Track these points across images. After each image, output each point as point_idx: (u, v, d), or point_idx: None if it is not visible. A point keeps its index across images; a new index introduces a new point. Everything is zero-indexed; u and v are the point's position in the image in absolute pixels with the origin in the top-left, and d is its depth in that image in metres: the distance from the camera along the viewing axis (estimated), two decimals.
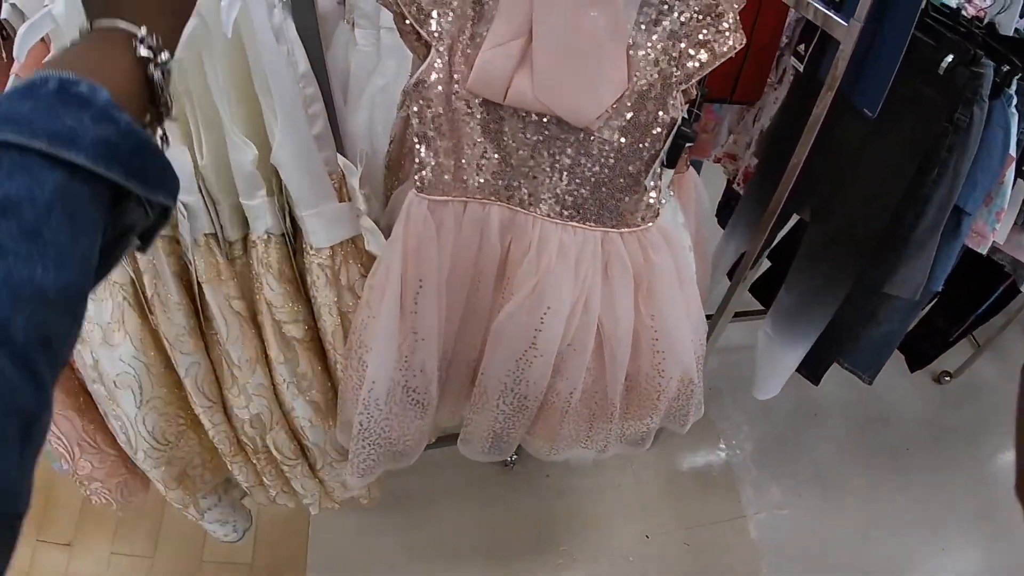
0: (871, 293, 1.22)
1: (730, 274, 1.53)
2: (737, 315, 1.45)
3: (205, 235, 0.83)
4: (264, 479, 1.05)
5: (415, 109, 0.76)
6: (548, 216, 0.83)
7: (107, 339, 0.85)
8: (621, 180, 0.80)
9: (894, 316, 1.39)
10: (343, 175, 0.92)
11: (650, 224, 0.84)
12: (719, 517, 1.80)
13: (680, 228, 0.91)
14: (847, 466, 1.99)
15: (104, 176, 0.33)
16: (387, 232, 0.93)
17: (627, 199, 0.81)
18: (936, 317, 1.80)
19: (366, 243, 0.91)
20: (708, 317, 1.17)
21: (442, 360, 0.94)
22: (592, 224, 0.83)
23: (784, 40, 1.39)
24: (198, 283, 0.84)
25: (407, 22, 0.74)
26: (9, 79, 0.73)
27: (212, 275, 0.84)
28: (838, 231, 1.22)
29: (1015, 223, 1.29)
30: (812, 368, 1.45)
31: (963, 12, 1.11)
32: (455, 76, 0.75)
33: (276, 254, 0.86)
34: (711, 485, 1.88)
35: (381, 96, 1.07)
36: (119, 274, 0.83)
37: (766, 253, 1.31)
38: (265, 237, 0.85)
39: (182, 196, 0.78)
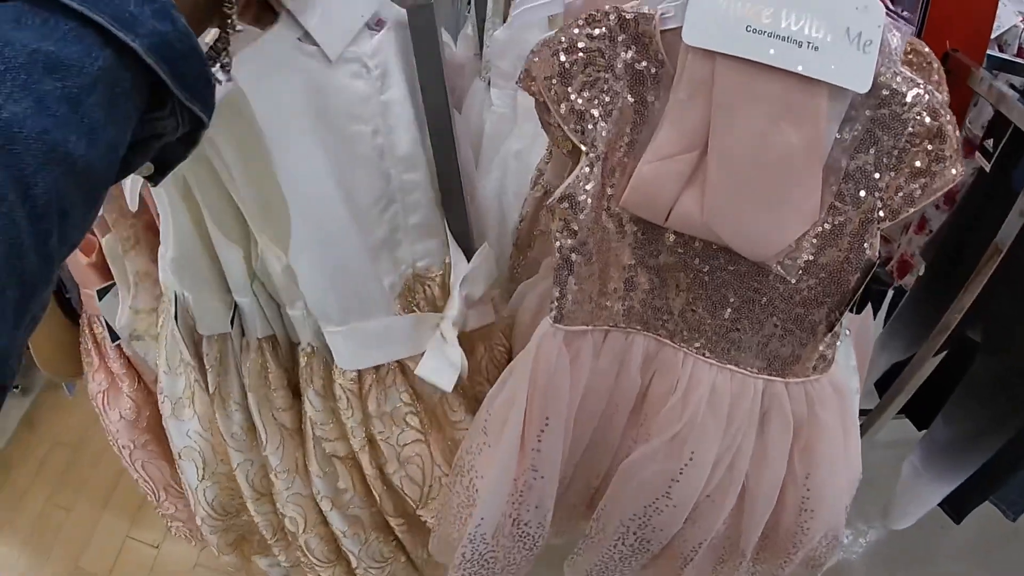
0: None
1: (879, 383, 1.36)
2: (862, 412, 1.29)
3: (259, 339, 0.78)
4: (302, 560, 0.98)
5: (558, 226, 0.66)
6: (702, 355, 0.71)
7: (176, 413, 0.86)
8: (796, 325, 0.66)
9: None
10: (445, 270, 0.81)
11: (822, 375, 0.70)
12: None
13: (851, 372, 0.77)
14: None
15: (152, 68, 0.34)
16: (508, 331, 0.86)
17: (801, 348, 0.68)
18: None
19: (420, 368, 0.78)
20: None
21: (559, 489, 0.84)
22: (753, 370, 0.70)
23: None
24: (246, 389, 0.79)
25: (551, 114, 0.64)
26: None
27: (259, 383, 0.79)
28: (1016, 361, 1.05)
29: None
30: (957, 506, 1.26)
31: None
32: (607, 190, 0.64)
33: (320, 368, 0.79)
34: None
35: (515, 162, 1.01)
36: (190, 355, 0.80)
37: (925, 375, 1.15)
38: (309, 350, 0.78)
39: (238, 296, 0.75)
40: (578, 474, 0.86)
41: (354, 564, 0.98)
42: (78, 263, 0.91)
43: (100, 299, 0.88)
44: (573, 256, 0.65)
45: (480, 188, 1.00)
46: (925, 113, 0.58)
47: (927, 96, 0.58)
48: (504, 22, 1.04)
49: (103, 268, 0.89)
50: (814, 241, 0.62)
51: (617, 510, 0.80)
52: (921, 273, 1.30)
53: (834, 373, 0.71)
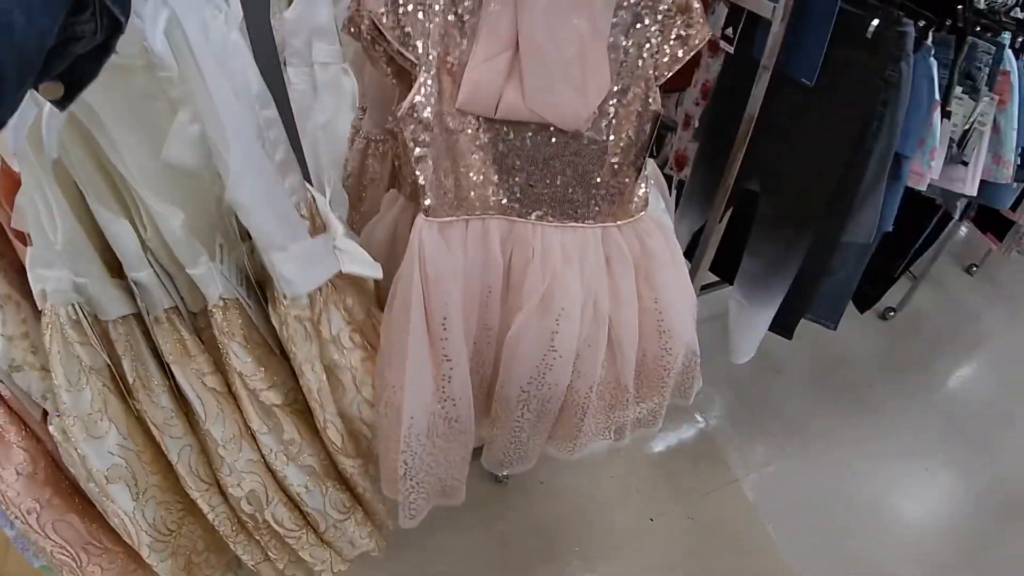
0: (830, 245, 1.35)
1: (686, 254, 1.63)
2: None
3: (166, 310, 0.79)
4: (270, 553, 1.02)
5: (408, 135, 0.79)
6: (547, 221, 0.88)
7: (91, 431, 0.80)
8: (613, 176, 0.85)
9: (848, 263, 1.53)
10: (313, 203, 0.86)
11: (642, 213, 0.90)
12: (713, 486, 1.90)
13: (663, 213, 0.98)
14: (819, 413, 2.15)
15: None
16: None
17: (621, 193, 0.87)
18: (878, 258, 1.98)
19: (343, 264, 0.83)
20: None
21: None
22: (591, 222, 0.88)
23: None
24: (167, 364, 0.80)
25: (391, 48, 0.77)
26: None
27: (179, 353, 0.80)
28: (793, 196, 1.34)
29: (944, 159, 1.44)
30: (784, 324, 1.57)
31: None
32: (445, 97, 0.79)
33: (237, 319, 0.82)
34: (698, 458, 1.98)
35: (323, 133, 1.07)
36: (92, 357, 0.78)
37: (723, 228, 1.42)
38: (222, 304, 0.80)
39: (134, 272, 0.75)
40: (473, 368, 0.97)
41: (321, 526, 1.03)
42: None
43: None
44: (427, 157, 0.79)
45: None
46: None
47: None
48: (289, 5, 1.13)
49: None
50: (612, 104, 0.80)
51: (513, 380, 0.94)
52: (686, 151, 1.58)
53: (652, 212, 0.91)
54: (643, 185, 0.88)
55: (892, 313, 2.45)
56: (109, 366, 0.79)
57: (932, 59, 1.23)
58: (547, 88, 0.78)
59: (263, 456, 0.90)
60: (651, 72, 0.81)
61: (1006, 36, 1.38)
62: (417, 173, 0.80)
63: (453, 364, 0.88)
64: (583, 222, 0.88)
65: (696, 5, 0.80)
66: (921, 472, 2.03)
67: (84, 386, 0.79)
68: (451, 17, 0.76)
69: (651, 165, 1.13)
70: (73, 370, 0.77)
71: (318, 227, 0.85)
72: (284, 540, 1.01)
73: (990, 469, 2.09)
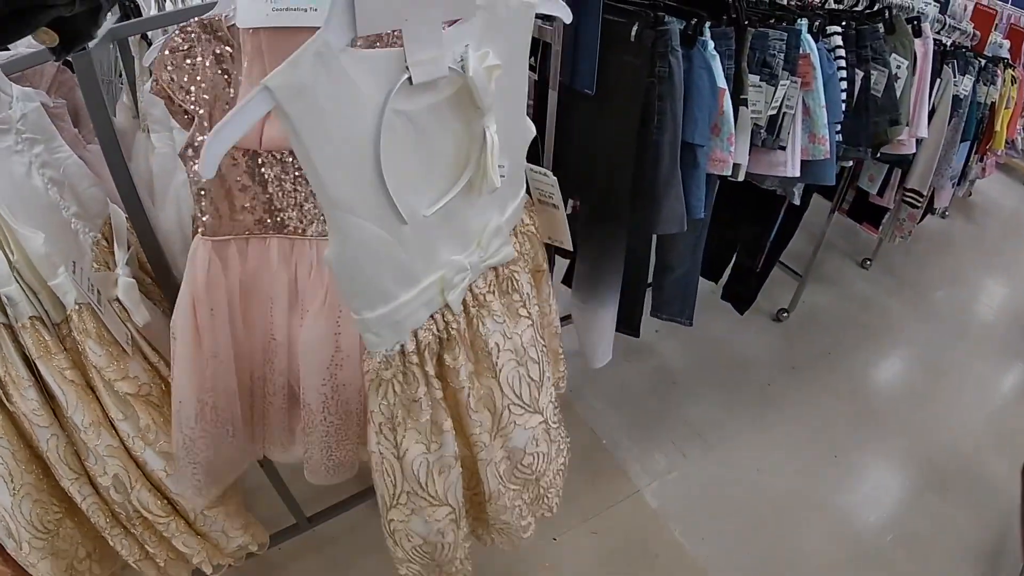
0: (644, 237, 1.61)
1: None
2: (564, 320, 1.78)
3: (31, 318, 1.04)
4: (147, 547, 1.24)
5: (191, 169, 1.05)
6: (322, 235, 1.13)
7: None
8: None
9: (682, 259, 1.80)
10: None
11: None
12: (614, 499, 2.09)
13: None
14: (719, 416, 2.37)
15: None
16: None
17: None
18: (739, 259, 2.26)
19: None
20: None
21: (254, 384, 1.21)
22: None
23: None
24: (32, 361, 1.04)
25: (175, 103, 1.04)
26: None
27: (42, 351, 1.05)
28: (600, 197, 1.61)
29: (758, 145, 1.70)
30: (627, 322, 1.82)
31: None
32: None
33: (91, 320, 1.09)
34: (599, 474, 2.17)
35: (184, 190, 1.36)
36: None
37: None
38: (77, 308, 1.08)
39: (2, 288, 1.00)
40: (275, 379, 1.21)
41: (191, 515, 1.26)
42: None
43: None
44: (203, 187, 1.06)
45: (161, 221, 1.33)
46: None
47: None
48: (149, 78, 1.42)
49: None
50: None
51: (309, 383, 1.16)
52: None
53: None
54: None
55: (785, 314, 2.73)
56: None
57: (712, 52, 1.50)
58: None
59: (122, 442, 1.15)
60: None
61: (802, 23, 1.66)
62: (197, 202, 1.06)
63: (220, 360, 1.14)
64: None
65: None
66: (833, 460, 2.23)
67: None
68: (217, 72, 1.03)
69: None
70: None
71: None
72: (155, 528, 1.22)
73: (912, 449, 2.27)
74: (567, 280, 2.09)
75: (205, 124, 1.05)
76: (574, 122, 1.52)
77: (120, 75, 1.47)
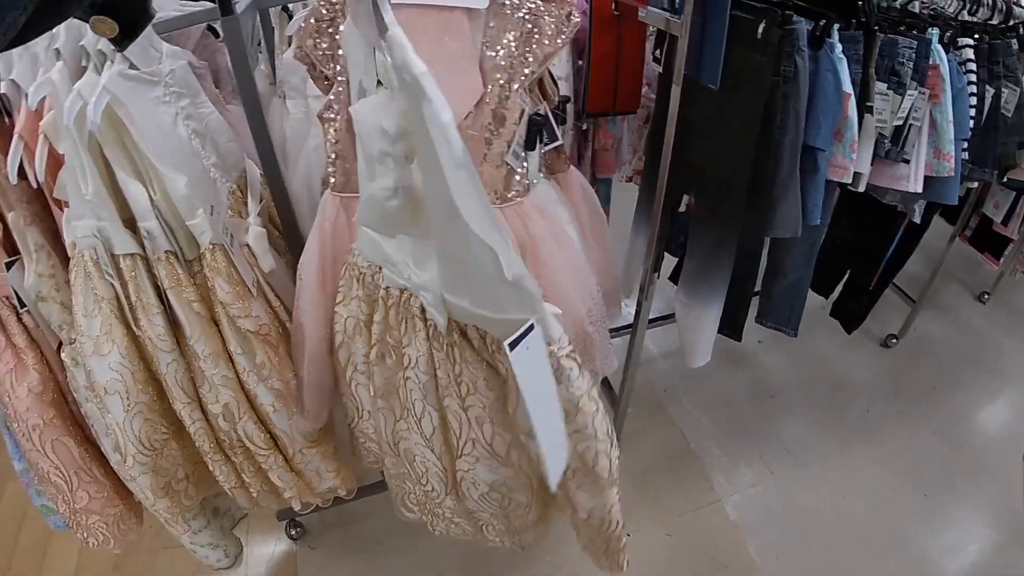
0: (756, 239, 1.57)
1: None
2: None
3: (166, 252, 1.13)
4: (244, 476, 1.32)
5: (328, 130, 1.11)
6: None
7: (97, 350, 1.11)
8: (492, 163, 1.14)
9: (795, 265, 1.75)
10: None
11: (522, 199, 1.17)
12: (695, 505, 2.06)
13: (556, 204, 1.25)
14: (812, 436, 2.28)
15: None
16: None
17: (499, 178, 1.15)
18: (852, 275, 2.17)
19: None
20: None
21: None
22: None
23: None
24: (164, 290, 1.13)
25: (316, 69, 1.11)
26: (13, 139, 1.05)
27: (174, 282, 1.14)
28: (716, 195, 1.58)
29: (882, 156, 1.61)
30: (731, 325, 1.78)
31: None
32: (349, 100, 1.11)
33: (223, 260, 1.17)
34: (683, 477, 2.14)
35: (315, 154, 1.45)
36: (105, 289, 1.11)
37: (664, 237, 1.65)
38: (211, 247, 1.16)
39: (144, 222, 1.10)
40: None
41: (289, 451, 1.33)
42: None
43: (7, 270, 1.16)
44: (337, 143, 1.12)
45: (293, 183, 1.41)
46: (529, 14, 1.09)
47: (531, 4, 1.09)
48: (289, 47, 1.51)
49: (7, 244, 1.18)
50: (486, 103, 1.10)
51: None
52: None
53: (535, 199, 1.19)
54: (520, 171, 1.16)
55: (894, 340, 2.60)
56: (117, 297, 1.12)
57: (840, 55, 1.44)
58: None
59: (237, 374, 1.23)
60: (516, 74, 1.10)
61: (933, 32, 1.56)
62: (332, 157, 1.11)
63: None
64: None
65: (544, 24, 1.09)
66: (922, 498, 2.11)
67: (96, 314, 1.11)
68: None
69: (572, 172, 1.40)
70: (89, 299, 1.10)
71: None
72: (255, 459, 1.30)
73: (1004, 500, 2.13)
74: (674, 277, 2.06)
75: (340, 91, 1.11)
76: (695, 117, 1.50)
77: (259, 44, 1.57)
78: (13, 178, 1.06)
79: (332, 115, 1.11)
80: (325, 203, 1.16)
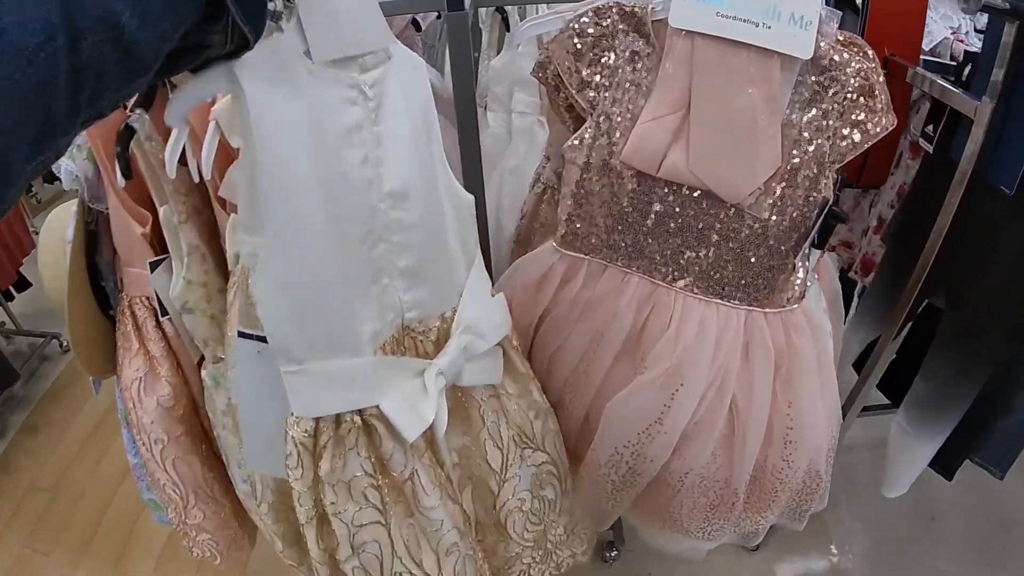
0: (1015, 379, 1.25)
1: (856, 365, 1.57)
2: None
3: None
4: None
5: (567, 171, 0.87)
6: (692, 292, 0.90)
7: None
8: (769, 259, 0.86)
9: None
10: (443, 324, 0.86)
11: (795, 306, 0.90)
12: None
13: (823, 313, 0.97)
14: (966, 573, 1.95)
15: None
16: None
17: (775, 279, 0.87)
18: None
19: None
20: None
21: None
22: (736, 302, 0.89)
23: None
24: None
25: (560, 93, 0.86)
26: None
27: None
28: (978, 316, 1.26)
29: None
30: (945, 462, 1.46)
31: None
32: (612, 146, 0.85)
33: None
34: None
35: (511, 176, 1.22)
36: None
37: (899, 343, 1.36)
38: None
39: None
40: (564, 400, 1.03)
41: None
42: (131, 233, 0.97)
43: (152, 271, 0.96)
44: (578, 193, 0.87)
45: (480, 202, 1.20)
46: (859, 77, 0.80)
47: (859, 64, 0.81)
48: (498, 54, 1.27)
49: (155, 241, 0.98)
50: (780, 182, 0.83)
51: (608, 441, 0.96)
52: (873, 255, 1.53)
53: (807, 307, 0.91)
54: (801, 275, 0.88)
55: None
56: None
57: None
58: (713, 155, 0.82)
59: None
60: (825, 156, 0.82)
61: None
62: (566, 202, 0.89)
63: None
64: (728, 301, 0.90)
65: (880, 91, 0.81)
66: None
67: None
68: (628, 72, 0.82)
69: (827, 264, 1.12)
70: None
71: (418, 353, 0.83)
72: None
73: None
74: (887, 390, 1.73)
75: (598, 129, 0.86)
76: (974, 220, 1.19)
77: None
78: (172, 171, 0.81)
79: (583, 155, 0.87)
80: (542, 252, 0.94)
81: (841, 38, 0.83)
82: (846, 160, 0.82)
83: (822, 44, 0.80)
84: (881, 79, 0.81)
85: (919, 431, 1.37)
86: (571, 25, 0.82)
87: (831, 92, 0.81)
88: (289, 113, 0.64)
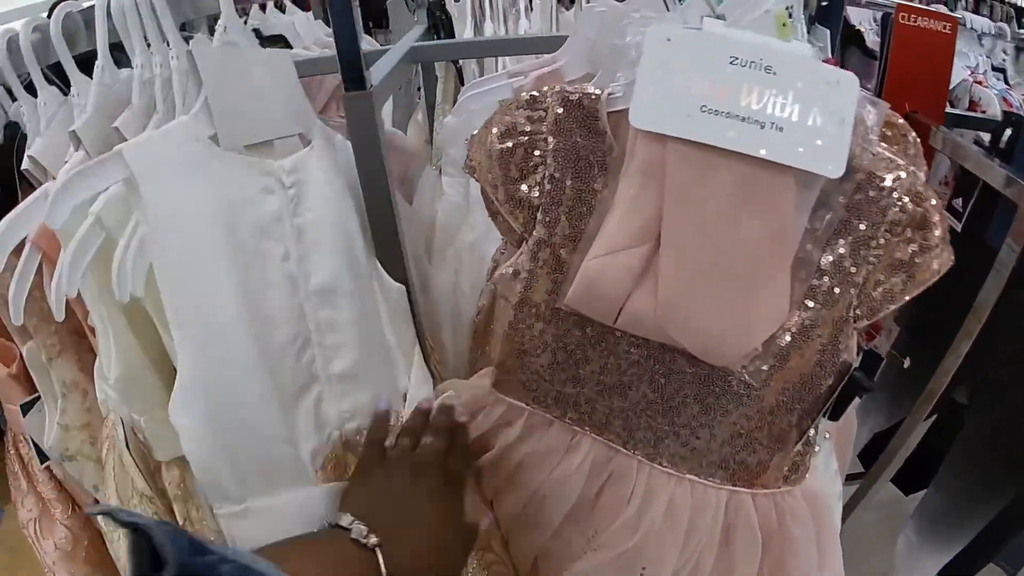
0: None
1: (862, 455, 1.35)
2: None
3: None
4: None
5: (499, 306, 0.64)
6: (659, 463, 0.66)
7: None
8: (763, 434, 0.62)
9: None
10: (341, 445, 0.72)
11: (793, 487, 0.67)
12: None
13: (832, 477, 0.74)
14: None
15: None
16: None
17: (769, 458, 0.64)
18: None
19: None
20: None
21: None
22: (716, 480, 0.66)
23: None
24: None
25: (493, 203, 0.62)
26: (24, 249, 0.64)
27: None
28: (1012, 424, 1.04)
29: None
30: (958, 570, 1.26)
31: None
32: (555, 284, 0.61)
33: None
34: None
35: (469, 254, 0.98)
36: (145, 488, 0.70)
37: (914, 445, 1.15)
38: None
39: None
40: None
41: None
42: None
43: (24, 414, 0.79)
44: (513, 331, 0.64)
45: (434, 282, 0.99)
46: (907, 198, 0.56)
47: (908, 178, 0.56)
48: (453, 107, 1.03)
49: (26, 380, 0.81)
50: (783, 342, 0.58)
51: None
52: (894, 338, 1.30)
53: (809, 483, 0.67)
54: (807, 455, 0.65)
55: None
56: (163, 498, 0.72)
57: None
58: (693, 306, 0.58)
59: None
60: (851, 307, 0.58)
61: None
62: (499, 344, 0.65)
63: None
64: (706, 478, 0.66)
65: (937, 218, 0.57)
66: None
67: (136, 507, 0.71)
68: (577, 185, 0.58)
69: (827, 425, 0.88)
70: (126, 490, 0.71)
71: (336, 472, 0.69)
72: None
73: None
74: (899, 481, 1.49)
75: (535, 259, 0.61)
76: (1006, 312, 0.97)
77: (418, 89, 1.10)
78: (17, 317, 0.63)
79: (509, 291, 0.62)
80: (478, 390, 0.72)
81: (881, 130, 0.59)
82: (878, 316, 0.58)
83: (858, 151, 0.55)
84: (936, 201, 0.57)
85: (930, 546, 1.18)
86: (496, 120, 0.57)
87: (866, 219, 0.56)
88: (195, 205, 0.57)
